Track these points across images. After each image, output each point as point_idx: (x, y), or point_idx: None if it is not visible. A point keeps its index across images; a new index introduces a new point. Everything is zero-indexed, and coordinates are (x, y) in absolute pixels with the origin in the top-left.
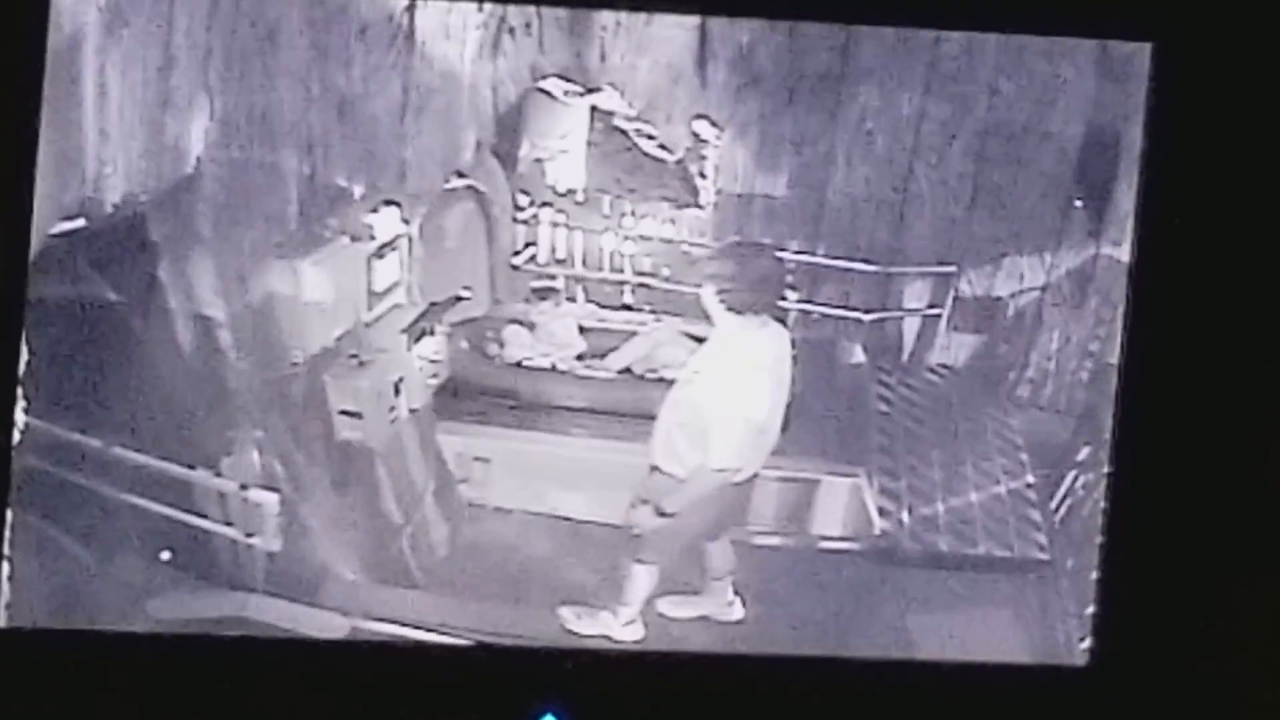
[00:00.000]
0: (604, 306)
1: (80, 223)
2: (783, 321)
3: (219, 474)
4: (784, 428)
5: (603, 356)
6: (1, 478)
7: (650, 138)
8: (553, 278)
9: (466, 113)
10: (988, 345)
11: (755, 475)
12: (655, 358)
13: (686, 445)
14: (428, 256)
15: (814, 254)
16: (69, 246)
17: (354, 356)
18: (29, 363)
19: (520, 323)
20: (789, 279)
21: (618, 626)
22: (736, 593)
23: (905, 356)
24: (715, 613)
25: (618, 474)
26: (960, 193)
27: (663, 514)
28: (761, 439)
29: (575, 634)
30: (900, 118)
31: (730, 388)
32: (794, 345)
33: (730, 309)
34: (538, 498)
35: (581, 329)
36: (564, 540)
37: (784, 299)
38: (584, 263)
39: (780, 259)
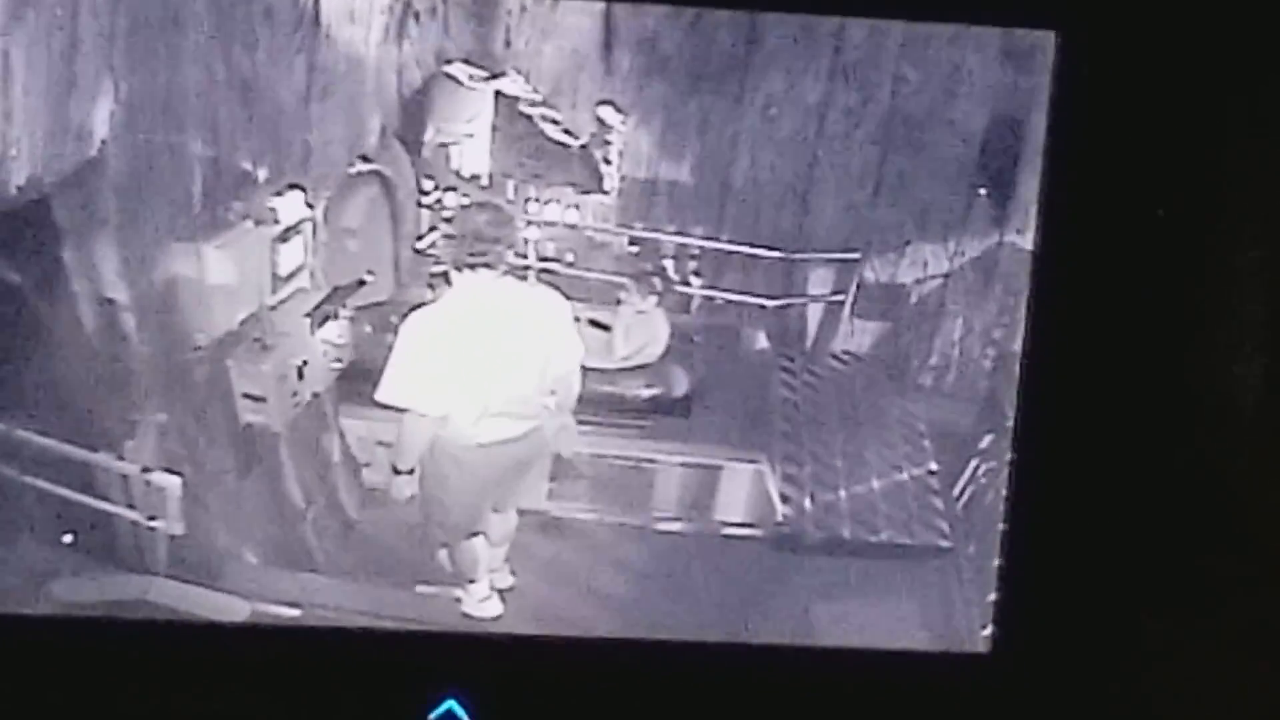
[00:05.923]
0: None
1: None
2: (557, 287)
3: (121, 457)
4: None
5: None
6: None
7: (555, 123)
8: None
9: (371, 97)
10: (891, 332)
11: (520, 438)
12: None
13: None
14: (332, 241)
15: (718, 240)
16: None
17: (258, 340)
18: None
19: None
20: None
21: (474, 604)
22: (507, 560)
23: (809, 343)
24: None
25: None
26: (864, 179)
27: (397, 471)
28: (476, 389)
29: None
30: (805, 104)
31: (432, 335)
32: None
33: (458, 267)
34: None
35: None
36: None
37: (513, 254)
38: None
39: (501, 209)
